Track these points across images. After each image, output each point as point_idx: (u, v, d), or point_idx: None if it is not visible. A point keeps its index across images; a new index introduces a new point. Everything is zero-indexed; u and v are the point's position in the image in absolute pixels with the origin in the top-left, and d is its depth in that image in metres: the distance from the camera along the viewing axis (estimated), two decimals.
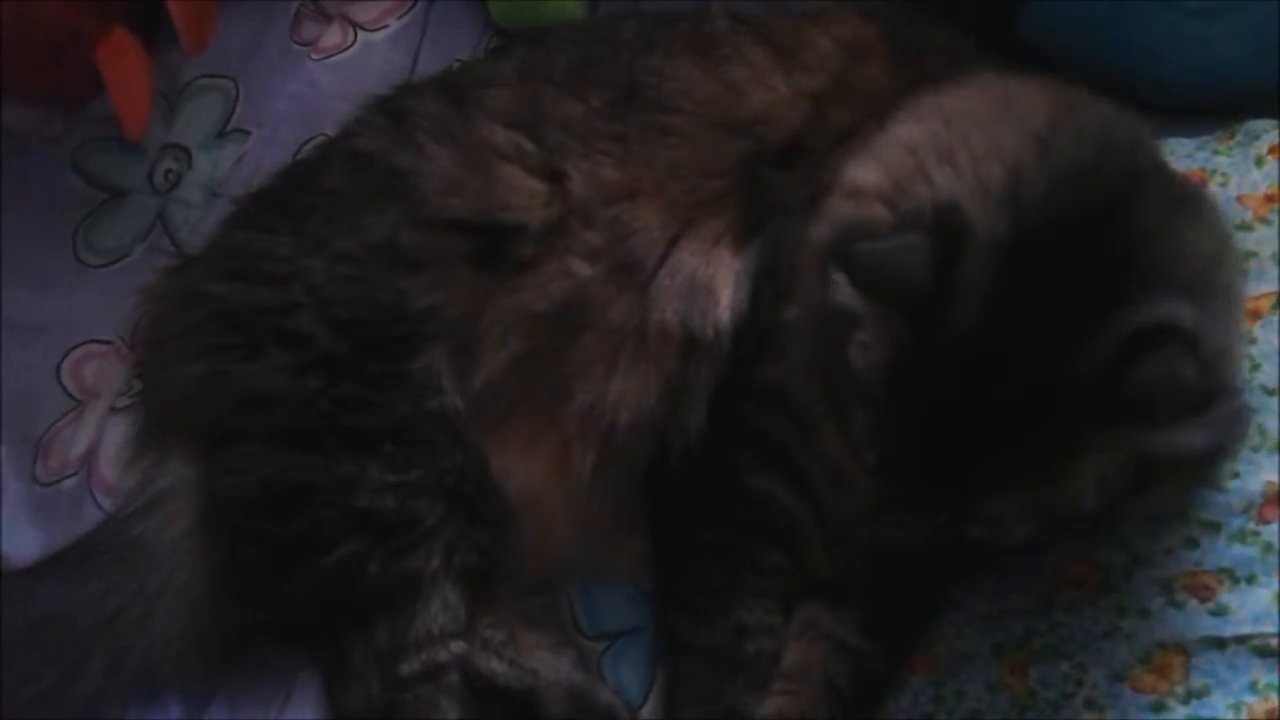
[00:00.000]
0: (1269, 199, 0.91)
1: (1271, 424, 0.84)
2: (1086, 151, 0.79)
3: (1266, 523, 0.81)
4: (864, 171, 0.85)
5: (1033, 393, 0.73)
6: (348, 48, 1.31)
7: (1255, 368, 0.85)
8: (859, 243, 0.76)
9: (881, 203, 0.81)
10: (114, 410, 1.17)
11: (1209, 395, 0.73)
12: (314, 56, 1.30)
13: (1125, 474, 0.75)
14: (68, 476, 1.16)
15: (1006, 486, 0.75)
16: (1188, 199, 0.83)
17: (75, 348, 1.22)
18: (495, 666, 0.99)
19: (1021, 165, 0.78)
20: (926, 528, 0.78)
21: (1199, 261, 0.78)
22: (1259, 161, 0.94)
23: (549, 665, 0.99)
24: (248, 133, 1.28)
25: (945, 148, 0.81)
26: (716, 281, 0.94)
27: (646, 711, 0.99)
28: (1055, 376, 0.73)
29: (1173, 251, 0.77)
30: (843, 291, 0.77)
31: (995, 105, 0.85)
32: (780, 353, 0.91)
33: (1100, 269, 0.75)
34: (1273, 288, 0.88)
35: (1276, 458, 0.83)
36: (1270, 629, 0.78)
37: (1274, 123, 0.96)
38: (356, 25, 1.32)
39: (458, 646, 0.96)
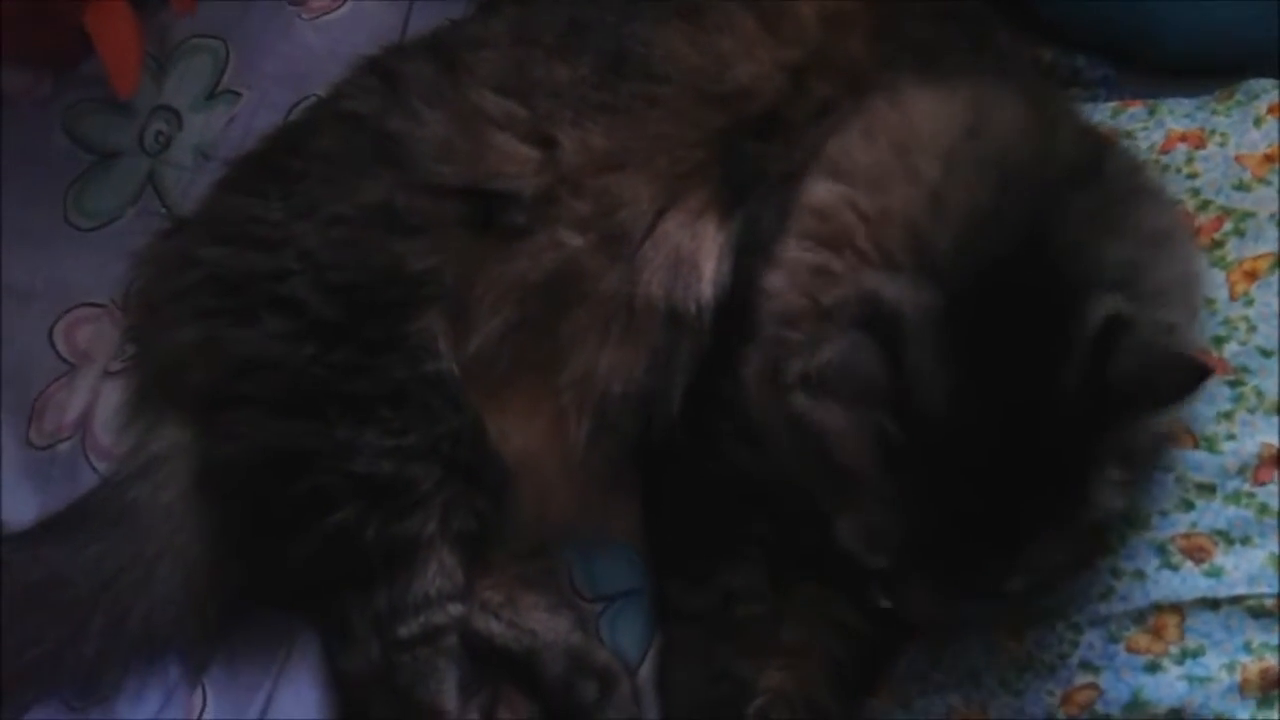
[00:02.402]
0: (1268, 159, 0.91)
1: (1267, 386, 0.84)
2: (983, 193, 0.81)
3: (1262, 484, 0.82)
4: (777, 274, 0.86)
5: (1026, 431, 0.75)
6: (338, 7, 1.29)
7: (1252, 329, 0.85)
8: (805, 363, 0.77)
9: (791, 328, 0.83)
10: (108, 374, 1.16)
11: (1199, 366, 0.76)
12: (304, 16, 1.28)
13: (1142, 464, 0.78)
14: (62, 440, 1.15)
15: (1039, 529, 0.77)
16: (1111, 203, 0.82)
17: (68, 311, 1.21)
18: (494, 628, 1.00)
19: (918, 227, 0.80)
20: (956, 602, 0.80)
21: (1127, 254, 0.80)
22: (1258, 121, 0.93)
23: (547, 626, 1.00)
24: (238, 94, 1.26)
25: (845, 230, 0.83)
26: (700, 255, 0.94)
27: (644, 672, 1.00)
28: (1039, 408, 0.75)
29: (1097, 262, 0.79)
30: (813, 411, 0.78)
31: (892, 152, 0.86)
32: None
33: (1032, 300, 0.77)
34: (1271, 248, 0.88)
35: (1272, 419, 0.83)
36: (1265, 590, 0.79)
37: (1273, 82, 0.96)
38: None
39: (456, 609, 0.97)
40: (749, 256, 0.91)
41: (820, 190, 0.87)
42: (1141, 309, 0.77)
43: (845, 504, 0.80)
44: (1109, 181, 0.84)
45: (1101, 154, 0.87)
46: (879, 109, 0.90)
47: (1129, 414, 0.76)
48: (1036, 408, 0.75)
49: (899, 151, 0.86)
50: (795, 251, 0.86)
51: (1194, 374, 0.76)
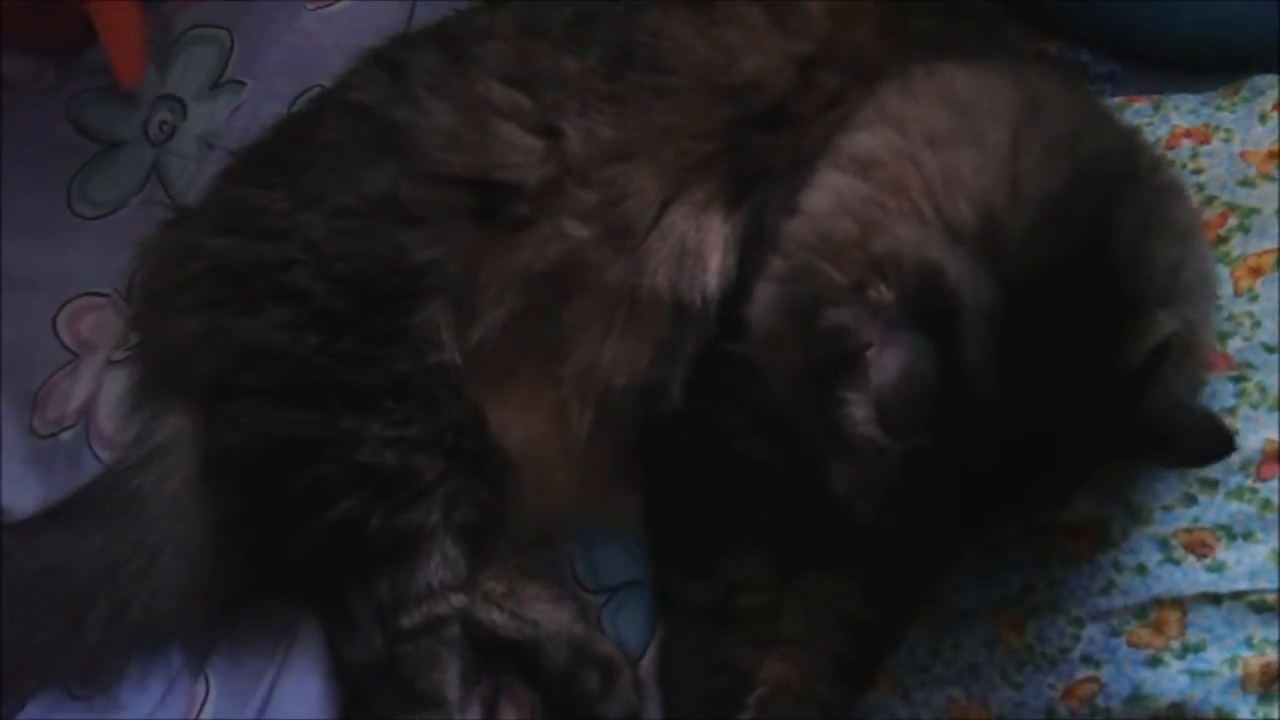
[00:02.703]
0: (1272, 155, 0.91)
1: (1271, 381, 0.84)
2: (1059, 179, 0.79)
3: (1265, 480, 0.82)
4: (818, 194, 0.84)
5: (1052, 437, 0.75)
6: None
7: (1256, 325, 0.86)
8: (864, 381, 0.74)
9: (830, 262, 0.81)
10: (111, 363, 1.16)
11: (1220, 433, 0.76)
12: (309, 7, 1.28)
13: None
14: (66, 429, 1.15)
15: (1017, 514, 0.79)
16: (1154, 203, 0.82)
17: (71, 300, 1.21)
18: (496, 618, 1.00)
19: (993, 208, 0.78)
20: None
21: (1170, 255, 0.79)
22: (1263, 118, 0.93)
23: (550, 617, 1.00)
24: (243, 84, 1.26)
25: (900, 178, 0.80)
26: (706, 247, 0.94)
27: (646, 662, 1.00)
28: (1074, 419, 0.75)
29: (1150, 269, 0.78)
30: (864, 424, 0.76)
31: (949, 110, 0.84)
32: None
33: (1090, 305, 0.76)
34: (1275, 244, 0.88)
35: (1275, 415, 0.83)
36: (1267, 585, 0.79)
37: (1278, 79, 0.95)
38: None
39: (458, 599, 0.97)
40: (755, 249, 0.91)
41: (865, 137, 0.85)
42: (1178, 311, 0.77)
43: (843, 458, 0.80)
44: (1147, 176, 0.83)
45: (1135, 147, 0.87)
46: (913, 73, 0.89)
47: (1148, 456, 0.78)
48: (1070, 416, 0.75)
49: (958, 111, 0.84)
50: (841, 179, 0.84)
51: (1223, 441, 0.76)
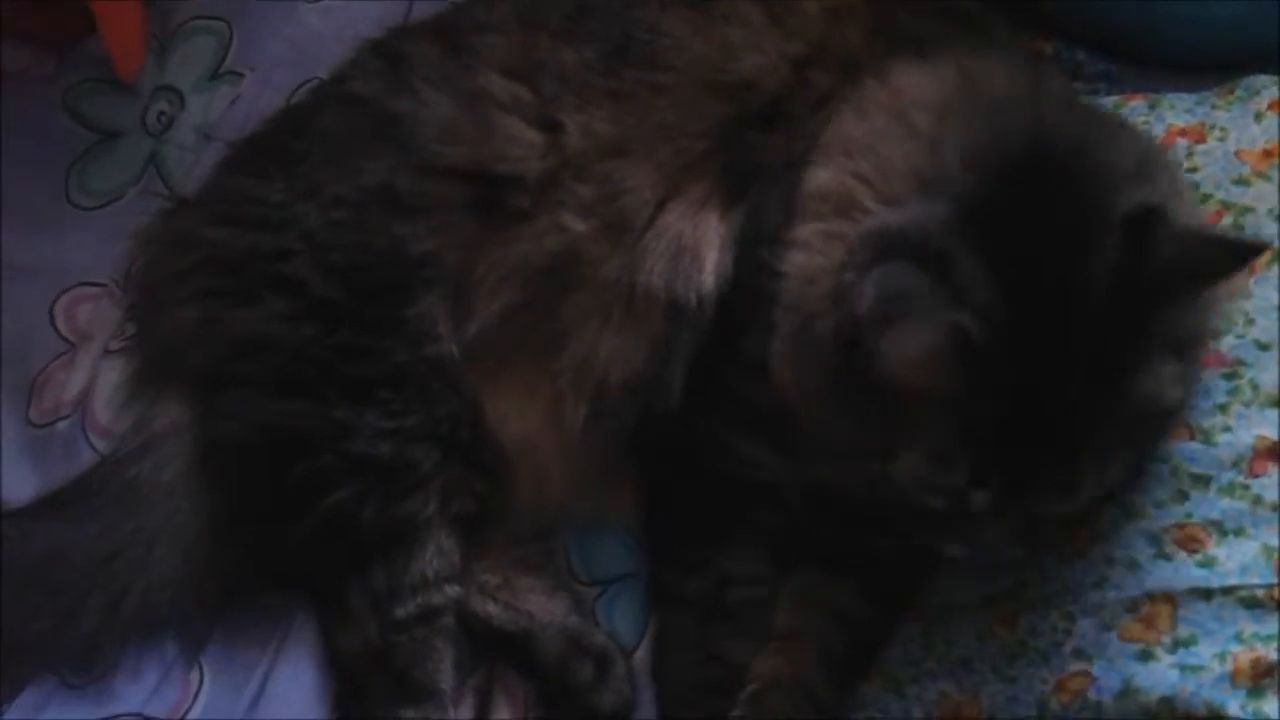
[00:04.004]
0: (1268, 154, 0.91)
1: (1264, 379, 0.84)
2: (980, 124, 0.82)
3: (1256, 476, 0.82)
4: (794, 253, 0.87)
5: (1074, 326, 0.75)
6: None
7: (1250, 322, 0.86)
8: (850, 310, 0.77)
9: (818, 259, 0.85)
10: (107, 353, 1.17)
11: (1245, 243, 0.77)
12: None
13: (1193, 353, 0.79)
14: (62, 418, 1.16)
15: (1099, 426, 0.76)
16: (1097, 113, 0.87)
17: (68, 290, 1.22)
18: (491, 610, 1.00)
19: (919, 169, 0.81)
20: (1029, 521, 0.80)
21: (1134, 155, 0.82)
22: (1258, 117, 0.94)
23: (544, 609, 1.00)
24: (241, 75, 1.26)
25: (848, 195, 0.84)
26: (702, 245, 0.94)
27: (640, 655, 1.00)
28: (1080, 301, 0.75)
29: (1108, 153, 0.80)
30: (880, 345, 0.77)
31: (887, 119, 0.87)
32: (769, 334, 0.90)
33: (1053, 194, 0.77)
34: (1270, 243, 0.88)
35: (1268, 412, 0.83)
36: (1257, 580, 0.79)
37: (1273, 78, 0.96)
38: None
39: (453, 590, 0.97)
40: (755, 247, 0.92)
41: (821, 175, 0.88)
42: (1167, 199, 0.78)
43: (905, 440, 0.79)
44: (1092, 109, 0.87)
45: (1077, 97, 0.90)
46: (869, 87, 0.91)
47: (1171, 296, 0.76)
48: (1075, 300, 0.75)
49: (894, 117, 0.87)
50: (807, 231, 0.86)
51: (1240, 251, 0.76)
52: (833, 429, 0.84)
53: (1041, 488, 0.78)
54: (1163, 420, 0.81)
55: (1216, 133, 0.94)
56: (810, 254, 0.85)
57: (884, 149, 0.85)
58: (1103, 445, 0.77)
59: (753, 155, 0.94)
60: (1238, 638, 0.79)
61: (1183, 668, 0.79)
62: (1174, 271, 0.75)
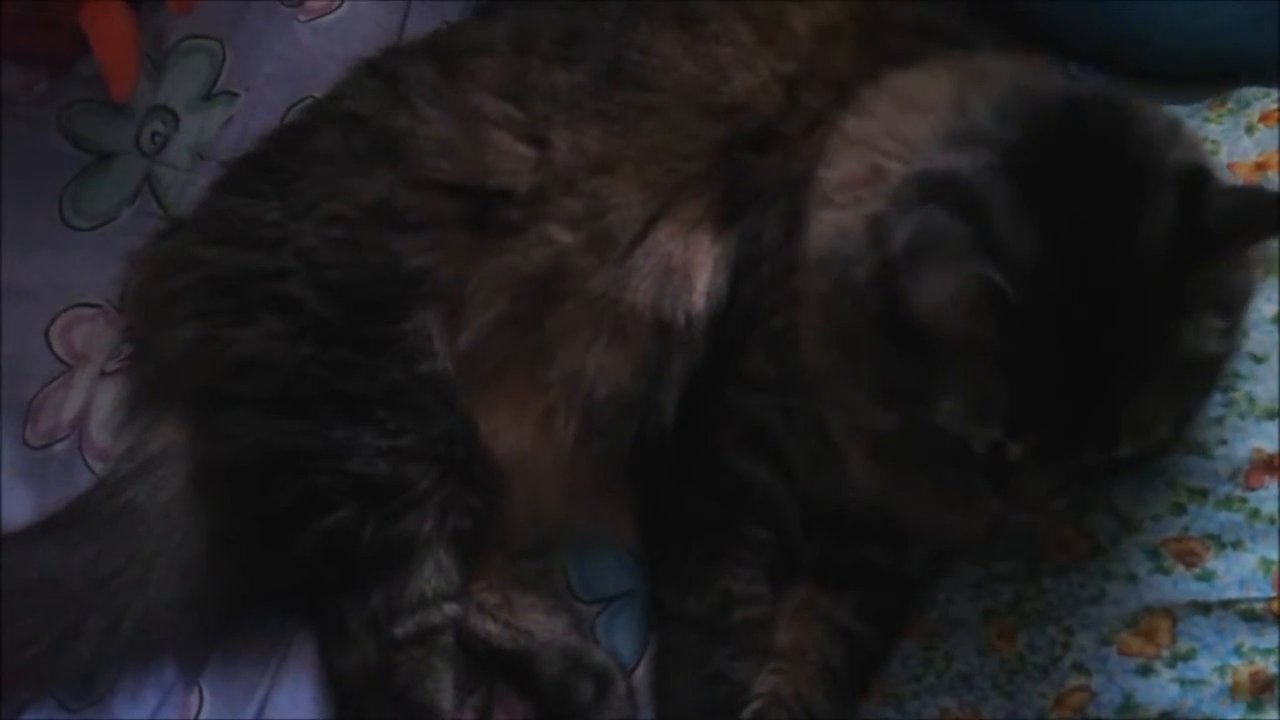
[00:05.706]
0: (1260, 166, 0.92)
1: (1259, 391, 0.84)
2: (1002, 94, 0.82)
3: (1253, 489, 0.82)
4: (817, 246, 0.85)
5: (1117, 278, 0.74)
6: (335, 9, 1.29)
7: (1244, 335, 0.86)
8: (888, 250, 0.76)
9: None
10: (104, 374, 1.16)
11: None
12: (301, 18, 1.28)
13: (1238, 307, 0.79)
14: (59, 440, 1.15)
15: (1142, 379, 0.76)
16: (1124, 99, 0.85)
17: (63, 311, 1.21)
18: (490, 628, 1.00)
19: (947, 127, 0.81)
20: (1069, 476, 0.78)
21: (1163, 119, 0.82)
22: (1250, 129, 0.94)
23: (543, 627, 1.00)
24: (235, 95, 1.26)
25: (877, 170, 0.83)
26: (693, 266, 0.94)
27: (640, 674, 1.00)
28: (1126, 254, 0.74)
29: (1143, 115, 0.81)
30: (912, 287, 0.76)
31: (903, 106, 0.87)
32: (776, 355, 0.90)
33: (1101, 146, 0.78)
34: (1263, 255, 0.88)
35: (1264, 425, 0.83)
36: (1256, 594, 0.80)
37: (1266, 90, 0.96)
38: None
39: (451, 609, 0.97)
40: (756, 266, 0.91)
41: (837, 170, 0.87)
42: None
43: (946, 385, 0.77)
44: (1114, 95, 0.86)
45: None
46: (866, 95, 0.90)
47: (1223, 251, 0.76)
48: (1122, 253, 0.75)
49: (902, 105, 0.86)
50: (831, 214, 0.85)
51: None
52: (871, 380, 0.82)
53: (1083, 441, 0.77)
54: (1208, 377, 0.80)
55: (1208, 145, 0.94)
56: (842, 211, 0.84)
57: (903, 128, 0.84)
58: (1145, 400, 0.76)
59: (747, 178, 0.94)
60: (1237, 651, 0.79)
61: (1183, 682, 0.80)
62: (1225, 228, 0.75)
